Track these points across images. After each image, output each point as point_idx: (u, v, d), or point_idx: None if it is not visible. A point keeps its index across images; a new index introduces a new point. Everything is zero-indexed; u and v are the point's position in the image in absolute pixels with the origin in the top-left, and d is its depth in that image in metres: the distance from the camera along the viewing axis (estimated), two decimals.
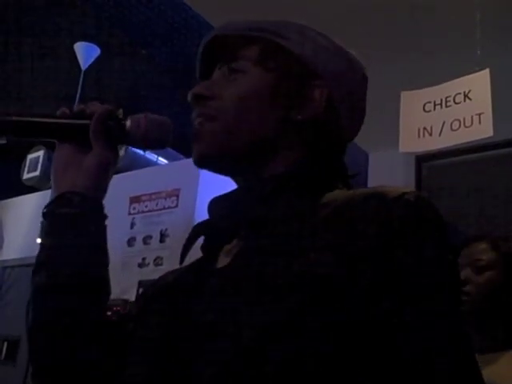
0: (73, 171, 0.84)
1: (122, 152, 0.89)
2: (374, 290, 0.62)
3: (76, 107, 0.86)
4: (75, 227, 0.81)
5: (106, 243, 0.85)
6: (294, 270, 0.63)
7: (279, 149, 0.80)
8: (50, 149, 5.71)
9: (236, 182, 0.83)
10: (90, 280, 0.81)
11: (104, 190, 0.86)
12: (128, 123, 0.84)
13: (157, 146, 0.86)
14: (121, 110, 0.85)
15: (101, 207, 0.85)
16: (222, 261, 0.74)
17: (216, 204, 0.79)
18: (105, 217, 0.86)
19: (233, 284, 0.67)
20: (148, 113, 0.85)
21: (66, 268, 0.80)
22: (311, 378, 0.59)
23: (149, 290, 0.87)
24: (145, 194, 4.45)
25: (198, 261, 0.81)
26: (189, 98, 0.82)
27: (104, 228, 0.85)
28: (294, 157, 0.80)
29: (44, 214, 0.83)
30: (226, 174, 0.84)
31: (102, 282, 0.84)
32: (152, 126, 0.84)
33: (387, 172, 3.68)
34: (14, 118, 0.84)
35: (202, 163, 0.81)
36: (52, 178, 0.86)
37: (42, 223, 0.84)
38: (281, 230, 0.70)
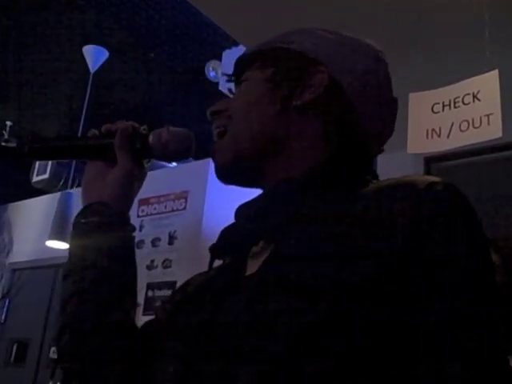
0: (100, 184, 0.88)
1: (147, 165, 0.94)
2: (407, 289, 0.61)
3: (103, 127, 0.91)
4: (99, 235, 0.84)
5: (131, 251, 0.88)
6: (325, 274, 0.62)
7: (292, 142, 0.79)
8: None
9: (262, 189, 0.83)
10: (114, 286, 0.83)
11: (129, 201, 0.90)
12: (150, 137, 0.88)
13: (179, 157, 0.90)
14: (145, 126, 0.90)
15: (125, 217, 0.88)
16: (251, 266, 0.73)
17: (243, 208, 0.79)
18: (131, 227, 0.89)
19: (264, 291, 0.66)
20: (170, 126, 0.89)
21: (90, 275, 0.82)
22: (348, 381, 0.59)
23: (177, 294, 0.87)
24: (153, 197, 4.47)
25: (227, 264, 0.80)
26: (208, 115, 0.86)
27: (129, 237, 0.88)
28: (312, 153, 0.79)
29: (72, 225, 0.87)
30: (250, 183, 0.84)
31: (127, 288, 0.85)
32: (173, 138, 0.88)
33: (396, 174, 3.66)
34: (49, 145, 0.93)
35: (223, 178, 0.83)
36: (81, 191, 0.90)
37: (70, 232, 0.88)
38: (308, 232, 0.69)
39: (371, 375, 0.59)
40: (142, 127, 0.89)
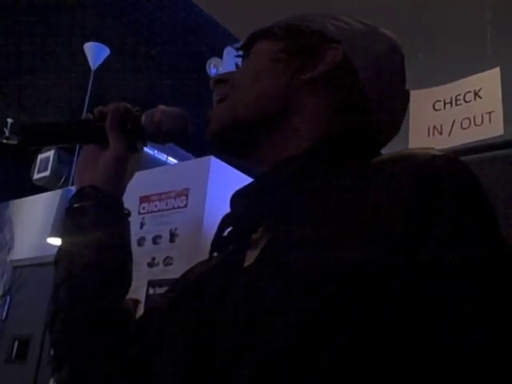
0: (93, 168, 0.86)
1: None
2: (410, 272, 0.57)
3: (95, 109, 0.89)
4: (89, 220, 0.83)
5: (123, 235, 0.86)
6: (326, 260, 0.59)
7: (295, 117, 0.77)
8: (60, 149, 5.74)
9: (257, 171, 0.81)
10: (105, 271, 0.82)
11: (121, 185, 0.87)
12: (143, 118, 0.85)
13: (174, 138, 0.87)
14: (138, 107, 0.87)
15: (116, 201, 0.86)
16: (250, 256, 0.70)
17: (238, 195, 0.76)
18: (123, 210, 0.87)
19: (261, 284, 0.63)
20: (162, 105, 0.86)
21: (79, 260, 0.81)
22: (353, 372, 0.56)
23: (177, 285, 0.85)
24: (154, 194, 4.46)
25: (227, 255, 0.77)
26: (210, 84, 0.84)
27: (121, 221, 0.86)
28: (312, 131, 0.76)
29: (65, 210, 0.86)
30: (243, 156, 0.82)
31: (119, 273, 0.84)
32: (166, 118, 0.84)
33: None
34: (41, 129, 0.90)
35: (213, 144, 0.81)
36: (75, 175, 0.89)
37: (62, 220, 0.87)
38: (307, 217, 0.66)
39: (374, 369, 0.56)
40: (135, 108, 0.87)
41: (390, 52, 0.82)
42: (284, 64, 0.79)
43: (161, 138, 0.87)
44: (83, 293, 0.80)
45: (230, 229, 0.76)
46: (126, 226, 0.87)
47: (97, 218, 0.83)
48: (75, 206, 0.84)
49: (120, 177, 0.87)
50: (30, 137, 0.89)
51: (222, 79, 0.83)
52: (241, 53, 0.86)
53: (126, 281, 0.86)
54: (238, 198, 0.76)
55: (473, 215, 0.61)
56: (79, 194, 0.85)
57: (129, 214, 0.88)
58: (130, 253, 0.86)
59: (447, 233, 0.59)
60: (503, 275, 0.59)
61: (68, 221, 0.85)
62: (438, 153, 0.64)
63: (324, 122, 0.77)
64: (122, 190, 0.88)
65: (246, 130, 0.78)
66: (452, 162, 0.63)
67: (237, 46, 0.87)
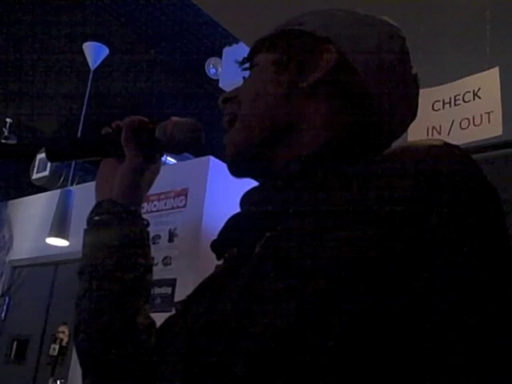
0: (111, 181, 0.89)
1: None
2: (410, 265, 0.57)
3: (113, 124, 0.91)
4: (106, 232, 0.85)
5: (141, 246, 0.87)
6: (323, 251, 0.60)
7: (301, 127, 0.77)
8: None
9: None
10: (121, 285, 0.83)
11: (139, 196, 0.89)
12: (156, 131, 0.87)
13: (188, 148, 0.89)
14: (152, 120, 0.89)
15: (133, 212, 0.88)
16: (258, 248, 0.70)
17: (247, 196, 0.77)
18: (141, 222, 0.88)
19: (261, 273, 0.64)
20: (175, 117, 0.88)
21: (97, 274, 0.83)
22: (352, 362, 0.56)
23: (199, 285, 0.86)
24: (153, 194, 4.46)
25: (240, 249, 0.76)
26: (219, 103, 0.85)
27: (138, 233, 0.87)
28: (319, 137, 0.76)
29: (86, 222, 0.88)
30: (263, 173, 0.81)
31: (136, 285, 0.85)
32: (178, 129, 0.87)
33: None
34: (63, 147, 0.95)
35: (232, 168, 0.82)
36: (95, 188, 0.91)
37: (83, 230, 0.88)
38: (310, 212, 0.66)
39: (372, 359, 0.56)
40: (150, 120, 0.89)
41: (388, 40, 0.81)
42: (281, 76, 0.79)
43: (175, 149, 0.89)
44: (102, 304, 0.82)
45: (239, 227, 0.76)
46: (143, 235, 0.88)
47: (114, 230, 0.85)
48: (94, 219, 0.86)
49: (137, 188, 0.89)
50: (53, 154, 0.95)
51: (228, 97, 0.84)
52: (247, 65, 0.86)
53: (144, 289, 0.86)
54: (248, 198, 0.77)
55: (473, 208, 0.60)
56: (97, 207, 0.87)
57: (147, 224, 0.89)
58: (147, 261, 0.87)
59: (447, 227, 0.59)
60: (503, 271, 0.59)
61: (87, 233, 0.87)
62: (437, 143, 0.64)
63: (328, 125, 0.77)
64: (139, 200, 0.90)
65: (261, 149, 0.78)
66: (450, 151, 0.63)
67: (239, 60, 0.87)
